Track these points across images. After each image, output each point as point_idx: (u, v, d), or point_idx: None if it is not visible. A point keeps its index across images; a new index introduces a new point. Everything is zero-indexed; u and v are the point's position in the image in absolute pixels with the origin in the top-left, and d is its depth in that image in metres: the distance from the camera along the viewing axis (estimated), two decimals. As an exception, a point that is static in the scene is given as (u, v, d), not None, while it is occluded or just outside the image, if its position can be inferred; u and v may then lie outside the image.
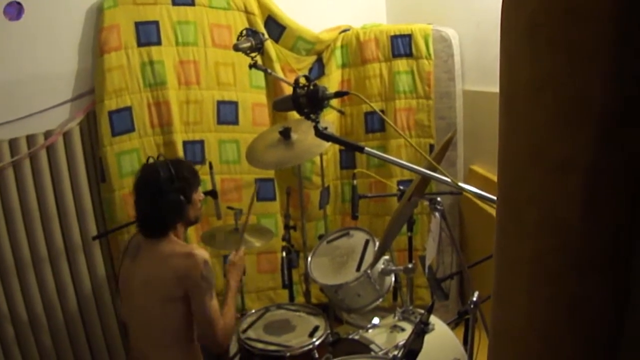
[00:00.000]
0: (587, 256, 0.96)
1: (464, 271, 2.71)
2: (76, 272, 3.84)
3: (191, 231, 4.04)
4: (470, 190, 2.15)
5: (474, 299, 2.64)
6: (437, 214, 2.75)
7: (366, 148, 2.16)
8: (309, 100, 2.13)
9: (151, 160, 2.92)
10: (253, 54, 3.47)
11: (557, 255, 0.98)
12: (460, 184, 2.13)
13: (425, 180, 2.76)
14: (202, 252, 2.79)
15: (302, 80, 2.16)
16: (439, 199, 2.68)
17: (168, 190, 2.79)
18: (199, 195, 3.02)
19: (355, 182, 3.70)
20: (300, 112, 2.19)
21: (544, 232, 0.99)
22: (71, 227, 3.80)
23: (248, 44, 3.41)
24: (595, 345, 1.02)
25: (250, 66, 3.52)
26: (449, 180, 2.08)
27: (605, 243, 0.96)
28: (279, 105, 2.39)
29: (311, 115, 2.16)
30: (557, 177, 0.95)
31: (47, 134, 3.69)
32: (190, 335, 2.87)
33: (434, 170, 2.17)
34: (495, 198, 2.01)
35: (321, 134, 2.15)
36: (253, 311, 3.62)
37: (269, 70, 3.74)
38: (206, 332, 2.78)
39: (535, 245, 1.01)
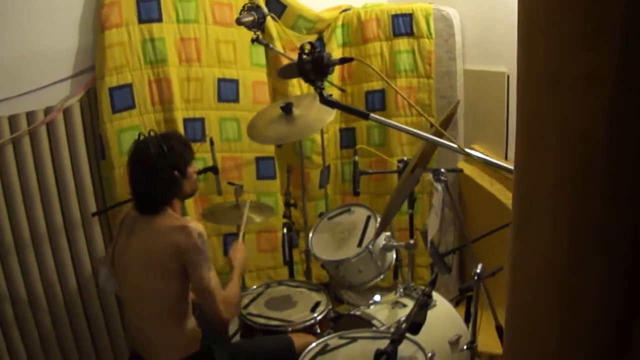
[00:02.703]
0: (612, 178, 0.96)
1: (468, 244, 2.70)
2: (75, 250, 3.83)
3: (191, 208, 4.04)
4: (476, 155, 2.15)
5: (478, 270, 2.65)
6: (439, 187, 2.76)
7: (371, 114, 2.15)
8: (314, 66, 2.13)
9: (142, 137, 2.89)
10: (255, 29, 3.46)
11: (581, 179, 0.98)
12: (467, 150, 2.11)
13: (428, 153, 2.76)
14: (196, 225, 2.77)
15: (307, 47, 2.15)
16: (442, 169, 2.68)
17: (161, 167, 2.77)
18: (193, 167, 2.99)
19: (356, 157, 3.70)
20: (305, 79, 2.18)
21: (568, 156, 0.99)
22: (71, 205, 3.79)
23: (250, 18, 3.41)
24: (620, 268, 1.01)
25: (253, 40, 3.52)
26: (455, 146, 2.08)
27: (630, 162, 0.95)
28: (285, 73, 2.39)
29: (316, 82, 2.15)
30: (581, 92, 0.94)
31: (47, 111, 3.67)
32: (187, 312, 2.85)
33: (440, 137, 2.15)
34: (500, 163, 2.02)
35: (326, 101, 2.15)
36: (254, 287, 3.64)
37: (271, 45, 3.74)
38: (207, 304, 2.77)
39: (558, 171, 1.01)
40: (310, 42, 2.18)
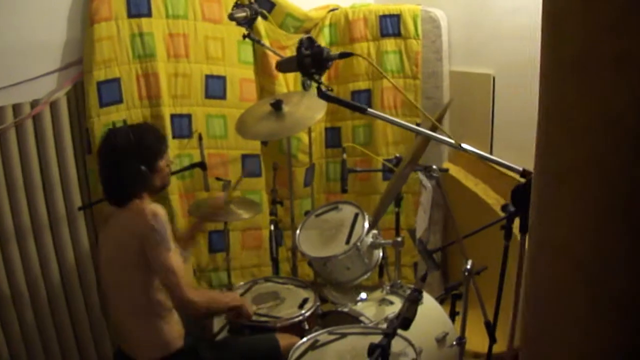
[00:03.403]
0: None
1: (459, 241, 2.72)
2: (59, 245, 3.81)
3: (177, 204, 4.04)
4: (470, 150, 2.18)
5: (468, 266, 2.68)
6: (429, 185, 2.78)
7: (368, 109, 2.18)
8: (313, 60, 2.15)
9: (114, 127, 2.87)
10: (246, 26, 3.47)
11: (609, 160, 1.00)
12: (464, 145, 2.14)
13: (419, 151, 2.78)
14: (153, 206, 2.70)
15: (306, 41, 2.17)
16: (434, 166, 2.70)
17: (127, 160, 2.74)
18: (166, 161, 2.92)
19: (344, 155, 3.71)
20: (304, 73, 2.20)
21: (597, 138, 1.01)
22: (56, 199, 3.77)
23: (243, 14, 3.42)
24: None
25: (245, 36, 3.53)
26: (452, 141, 2.10)
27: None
28: (283, 66, 2.40)
29: (315, 76, 2.17)
30: (611, 75, 0.96)
31: (34, 104, 3.65)
32: (164, 306, 2.80)
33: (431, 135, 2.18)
34: (494, 158, 2.04)
35: (324, 95, 2.16)
36: (241, 284, 3.63)
37: (262, 42, 3.75)
38: (170, 286, 2.66)
39: (587, 152, 1.03)
40: (309, 37, 2.19)
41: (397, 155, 3.27)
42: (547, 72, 1.11)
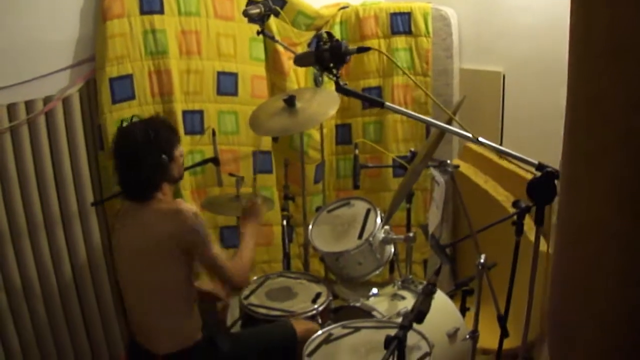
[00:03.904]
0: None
1: (473, 235, 2.74)
2: (71, 241, 3.82)
3: (189, 199, 4.05)
4: (487, 143, 2.19)
5: (482, 260, 2.69)
6: (442, 180, 2.79)
7: (386, 103, 2.20)
8: (332, 54, 2.17)
9: (125, 124, 2.89)
10: (259, 22, 3.50)
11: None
12: (481, 138, 2.15)
13: (432, 147, 2.80)
14: (189, 206, 2.78)
15: (325, 36, 2.19)
16: (448, 161, 2.72)
17: (149, 153, 2.76)
18: (179, 150, 2.96)
19: (357, 151, 3.73)
20: (322, 67, 2.23)
21: (629, 121, 1.03)
22: (68, 195, 3.78)
23: (257, 10, 3.44)
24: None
25: (259, 32, 3.56)
26: (470, 135, 2.12)
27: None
28: (302, 60, 2.42)
29: (333, 70, 2.19)
30: None
31: (47, 100, 3.66)
32: (188, 300, 2.85)
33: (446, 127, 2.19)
34: (511, 152, 2.06)
35: (341, 89, 2.19)
36: (255, 278, 3.65)
37: (276, 38, 3.77)
38: (222, 277, 2.86)
39: (617, 133, 1.05)
40: (327, 32, 2.22)
41: (412, 149, 3.28)
42: (579, 57, 1.13)
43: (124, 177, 2.85)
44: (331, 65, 2.19)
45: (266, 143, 4.39)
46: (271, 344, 3.04)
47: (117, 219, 2.97)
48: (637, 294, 1.12)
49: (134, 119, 2.90)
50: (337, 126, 4.73)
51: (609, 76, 1.06)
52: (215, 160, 3.69)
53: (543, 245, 3.71)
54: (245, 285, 2.90)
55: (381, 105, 2.19)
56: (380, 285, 3.54)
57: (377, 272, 3.43)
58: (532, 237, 3.63)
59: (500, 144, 4.32)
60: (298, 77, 4.42)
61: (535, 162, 2.20)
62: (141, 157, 2.76)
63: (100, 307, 3.98)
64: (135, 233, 2.80)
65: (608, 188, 1.11)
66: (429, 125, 2.37)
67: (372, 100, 2.26)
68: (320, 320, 3.26)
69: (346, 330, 2.88)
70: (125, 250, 2.86)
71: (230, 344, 2.93)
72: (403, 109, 2.31)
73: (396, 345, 2.14)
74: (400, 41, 4.47)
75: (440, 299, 3.30)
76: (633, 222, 1.08)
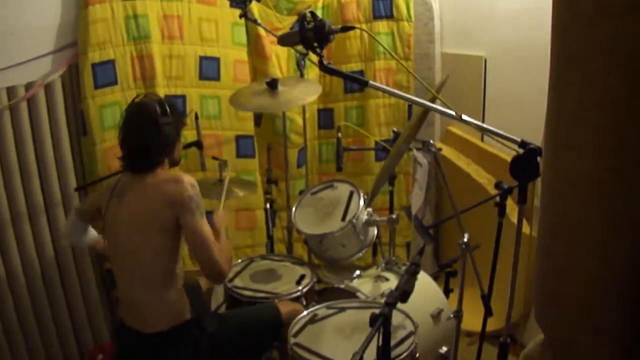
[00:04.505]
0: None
1: (457, 214, 2.76)
2: (55, 228, 3.81)
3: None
4: (471, 121, 2.21)
5: (465, 239, 2.71)
6: (425, 162, 2.81)
7: (370, 82, 2.21)
8: (316, 33, 2.18)
9: (138, 100, 2.90)
10: (241, 6, 3.50)
11: (627, 98, 1.05)
12: (465, 117, 2.17)
13: (415, 129, 2.82)
14: (189, 176, 2.79)
15: (308, 16, 2.20)
16: (431, 141, 2.74)
17: (164, 123, 2.78)
18: (181, 136, 3.01)
19: (339, 134, 3.74)
20: (306, 46, 2.23)
21: (616, 77, 1.06)
22: (51, 182, 3.76)
23: (242, -7, 3.45)
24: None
25: (241, 16, 3.57)
26: (453, 113, 2.14)
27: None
28: (286, 40, 2.42)
29: (317, 50, 2.20)
30: (631, 21, 1.01)
31: (28, 86, 3.64)
32: (178, 277, 2.85)
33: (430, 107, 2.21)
34: (489, 127, 2.08)
35: (325, 68, 2.20)
36: (239, 261, 3.67)
37: (259, 21, 3.78)
38: (203, 254, 2.72)
39: (605, 90, 1.08)
40: (311, 11, 2.22)
41: (395, 129, 3.30)
42: (564, 22, 1.16)
43: (132, 146, 2.84)
44: (315, 44, 2.20)
45: (248, 128, 4.40)
46: (256, 325, 3.05)
47: (112, 194, 2.95)
48: (622, 245, 1.15)
49: (119, 106, 2.91)
50: (319, 110, 4.75)
51: (592, 39, 1.08)
52: (198, 144, 3.69)
53: (526, 228, 3.75)
54: (224, 276, 2.85)
55: (365, 84, 2.21)
56: (364, 269, 3.56)
57: (361, 254, 3.45)
58: (514, 219, 3.68)
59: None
60: (280, 61, 4.43)
61: (518, 139, 2.22)
62: (157, 126, 2.78)
63: (85, 295, 3.97)
64: (135, 201, 2.79)
65: (592, 143, 1.14)
66: (412, 103, 2.38)
67: (356, 79, 2.27)
68: (304, 302, 3.29)
69: (331, 311, 2.91)
70: (121, 221, 2.83)
71: (217, 325, 2.94)
72: (386, 87, 2.33)
73: (382, 323, 2.16)
74: (382, 25, 4.49)
75: (423, 280, 3.33)
76: (617, 174, 1.11)
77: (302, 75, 3.96)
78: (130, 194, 2.82)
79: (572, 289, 1.31)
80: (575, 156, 1.22)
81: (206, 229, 2.76)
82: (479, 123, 2.26)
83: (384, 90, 2.30)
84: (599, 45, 1.08)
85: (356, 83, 2.27)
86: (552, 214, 1.31)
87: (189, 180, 2.76)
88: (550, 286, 1.36)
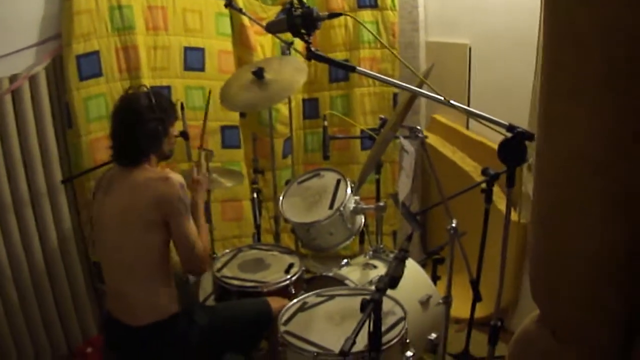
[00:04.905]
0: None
1: (444, 200, 2.78)
2: (41, 221, 3.79)
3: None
4: (458, 106, 2.23)
5: (453, 224, 2.73)
6: (411, 149, 2.82)
7: (358, 67, 2.22)
8: (304, 20, 2.19)
9: (131, 91, 2.90)
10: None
11: (626, 73, 1.06)
12: (452, 102, 2.18)
13: (405, 112, 2.83)
14: (178, 176, 2.79)
15: (296, 2, 2.21)
16: (419, 127, 2.75)
17: (147, 119, 2.78)
18: (174, 129, 3.02)
19: (325, 123, 3.75)
20: (294, 33, 2.24)
21: (613, 52, 1.07)
22: (36, 174, 3.74)
23: (223, -16, 3.44)
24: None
25: (226, 5, 3.57)
26: (442, 98, 2.15)
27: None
28: (273, 27, 2.43)
29: (305, 37, 2.21)
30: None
31: (12, 79, 3.61)
32: (166, 270, 2.85)
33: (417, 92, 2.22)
34: (477, 112, 2.10)
35: (313, 54, 2.22)
36: (227, 251, 3.67)
37: (244, 10, 3.78)
38: (186, 254, 2.78)
39: (601, 64, 1.09)
40: (298, -2, 2.23)
41: (382, 116, 3.31)
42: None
43: (118, 140, 2.85)
44: (303, 31, 2.21)
45: (233, 118, 4.40)
46: (247, 318, 3.05)
47: (99, 188, 2.95)
48: (620, 223, 1.16)
49: (143, 88, 2.90)
50: (304, 100, 4.76)
51: (589, 15, 1.09)
52: (184, 135, 3.68)
53: (513, 215, 3.79)
54: (204, 271, 2.90)
55: (352, 69, 2.22)
56: (350, 259, 3.57)
57: (348, 242, 3.47)
58: (500, 206, 3.71)
59: (467, 116, 4.37)
60: (265, 51, 4.43)
61: (506, 123, 2.24)
62: (140, 123, 2.78)
63: (72, 288, 3.96)
64: (121, 196, 2.79)
65: (589, 122, 1.15)
66: (400, 88, 2.38)
67: (343, 65, 2.29)
68: (293, 290, 3.29)
69: (320, 299, 2.93)
70: (109, 215, 2.83)
71: (207, 318, 2.95)
72: (374, 73, 2.34)
73: (373, 308, 2.18)
74: (366, 14, 4.50)
75: (411, 267, 3.34)
76: (612, 151, 1.12)
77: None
78: (118, 188, 2.82)
79: (569, 267, 1.32)
80: (570, 135, 1.23)
81: (193, 229, 2.80)
82: (467, 108, 2.28)
83: (371, 76, 2.32)
84: (597, 21, 1.08)
85: (343, 69, 2.29)
86: (548, 194, 1.32)
87: (178, 180, 2.76)
88: (547, 264, 1.38)
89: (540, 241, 1.37)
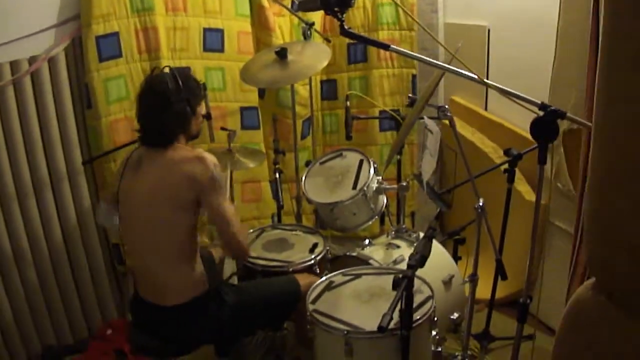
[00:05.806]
0: None
1: (470, 178, 2.78)
2: (61, 202, 3.81)
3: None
4: (493, 85, 2.23)
5: (480, 203, 2.73)
6: (435, 129, 2.82)
7: (392, 46, 2.22)
8: (338, -2, 2.19)
9: (157, 71, 2.89)
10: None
11: None
12: (487, 81, 2.18)
13: (432, 92, 2.83)
14: (211, 156, 2.79)
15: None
16: (446, 106, 2.75)
17: (175, 100, 2.76)
18: (201, 109, 3.01)
19: (348, 103, 3.74)
20: (327, 11, 2.24)
21: None
22: (56, 156, 3.76)
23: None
24: None
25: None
26: (475, 76, 2.15)
27: None
28: (306, 5, 2.42)
29: (338, 15, 2.21)
30: None
31: (32, 60, 3.61)
32: (195, 250, 2.86)
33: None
34: (511, 91, 2.10)
35: (347, 32, 2.22)
36: (250, 231, 3.66)
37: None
38: (226, 232, 2.78)
39: None
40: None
41: (410, 95, 3.31)
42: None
43: (146, 122, 2.83)
44: (336, 9, 2.21)
45: (252, 99, 4.38)
46: (275, 296, 3.05)
47: (126, 166, 2.93)
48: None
49: (166, 69, 2.88)
50: (322, 82, 4.75)
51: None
52: (207, 115, 3.67)
53: (530, 196, 3.79)
54: (247, 253, 2.90)
55: (386, 47, 2.22)
56: (371, 239, 3.57)
57: (371, 222, 3.46)
58: (520, 188, 3.72)
59: (486, 98, 4.38)
60: (283, 32, 4.40)
61: (539, 102, 2.24)
62: (168, 103, 2.76)
63: (92, 270, 3.99)
64: (153, 174, 2.78)
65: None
66: (434, 67, 2.38)
67: (377, 43, 2.30)
68: (318, 270, 3.29)
69: (347, 277, 2.93)
70: (139, 194, 2.82)
71: (236, 297, 2.95)
72: (408, 51, 2.33)
73: (407, 284, 2.18)
74: (385, -4, 4.48)
75: (434, 247, 3.33)
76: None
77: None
78: (149, 167, 2.81)
79: (627, 231, 1.33)
80: (632, 103, 1.23)
81: (230, 209, 2.80)
82: (502, 87, 2.27)
83: (405, 55, 2.30)
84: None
85: (377, 47, 2.29)
86: (606, 160, 1.33)
87: (212, 160, 2.76)
88: (604, 228, 1.39)
89: (597, 207, 1.38)
